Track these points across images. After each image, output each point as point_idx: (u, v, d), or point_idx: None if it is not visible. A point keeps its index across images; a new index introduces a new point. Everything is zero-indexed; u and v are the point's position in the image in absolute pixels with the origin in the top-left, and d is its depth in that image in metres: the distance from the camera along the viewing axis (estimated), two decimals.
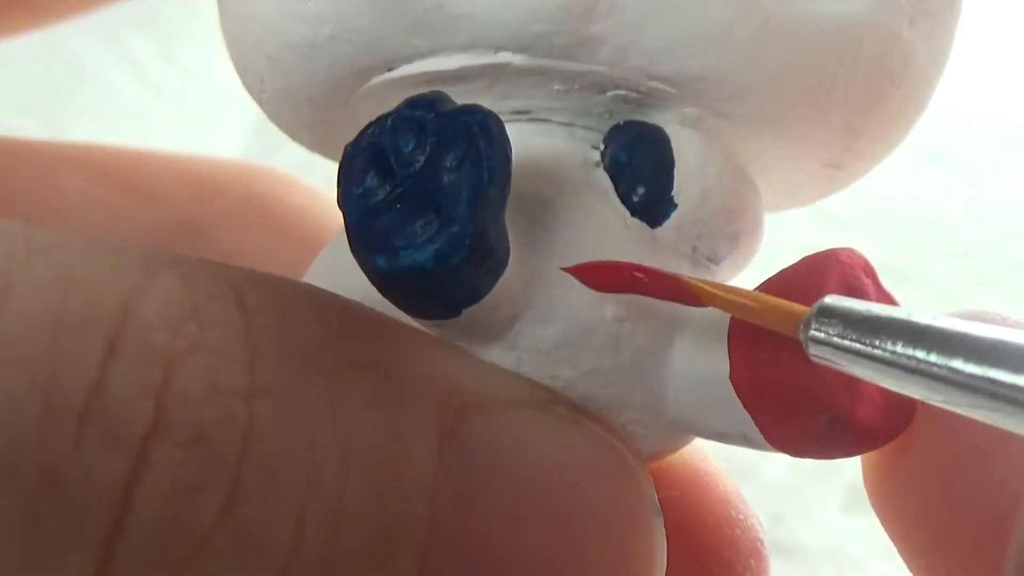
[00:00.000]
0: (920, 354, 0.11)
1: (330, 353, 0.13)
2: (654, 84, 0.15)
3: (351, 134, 0.14)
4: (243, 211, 0.25)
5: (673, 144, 0.16)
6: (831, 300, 0.12)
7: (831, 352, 0.12)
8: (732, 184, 0.16)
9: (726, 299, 0.13)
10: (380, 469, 0.13)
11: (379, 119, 0.14)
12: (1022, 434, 0.11)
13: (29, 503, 0.11)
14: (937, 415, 0.14)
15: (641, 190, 0.16)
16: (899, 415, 0.15)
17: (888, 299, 0.15)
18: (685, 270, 0.16)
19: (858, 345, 0.12)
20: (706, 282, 0.14)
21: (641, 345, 0.15)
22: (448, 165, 0.13)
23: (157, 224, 0.24)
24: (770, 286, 0.15)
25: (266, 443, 0.12)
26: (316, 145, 0.18)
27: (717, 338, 0.15)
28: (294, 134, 0.18)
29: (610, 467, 0.15)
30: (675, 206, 0.16)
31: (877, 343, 0.12)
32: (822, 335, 0.12)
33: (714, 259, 0.16)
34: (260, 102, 0.18)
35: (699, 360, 0.15)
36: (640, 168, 0.16)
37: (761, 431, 0.15)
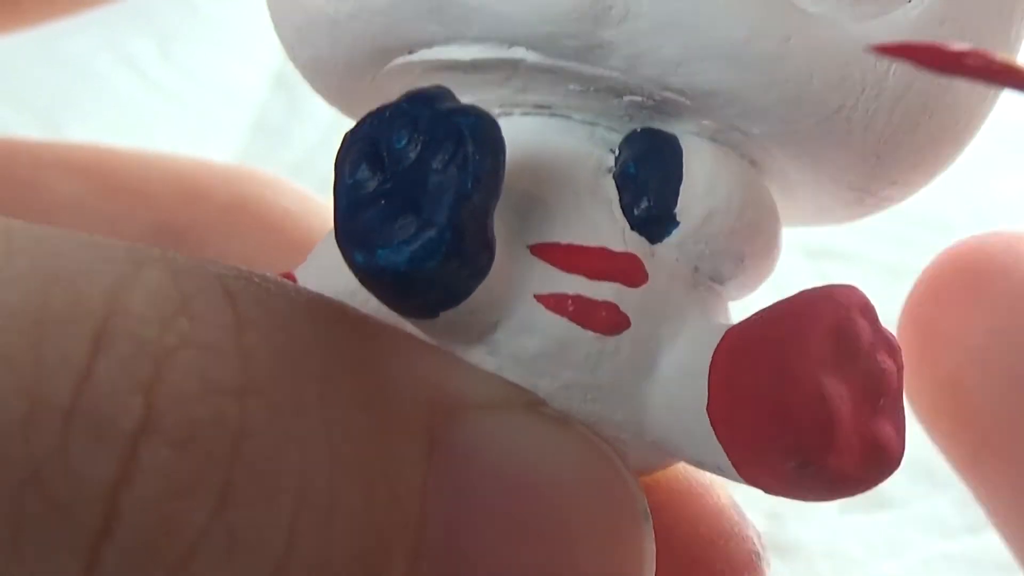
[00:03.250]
0: None
1: (319, 353, 0.13)
2: (667, 95, 0.15)
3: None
4: (230, 214, 0.25)
5: (685, 158, 0.15)
6: None
7: None
8: (742, 204, 0.16)
9: None
10: (370, 471, 0.13)
11: (379, 109, 0.14)
12: None
13: (13, 504, 0.11)
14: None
15: (644, 204, 0.15)
16: (880, 464, 0.14)
17: (887, 342, 0.15)
18: (684, 289, 0.15)
19: None
20: None
21: (622, 365, 0.15)
22: (435, 167, 0.13)
23: (142, 226, 0.24)
24: (757, 322, 0.15)
25: (258, 443, 0.12)
26: (347, 112, 0.18)
27: (699, 367, 0.15)
28: (327, 100, 0.18)
29: (598, 468, 0.15)
30: (677, 224, 0.15)
31: None
32: None
33: (718, 279, 0.16)
34: (296, 67, 0.18)
35: (679, 387, 0.15)
36: (646, 182, 0.15)
37: (733, 466, 0.15)
